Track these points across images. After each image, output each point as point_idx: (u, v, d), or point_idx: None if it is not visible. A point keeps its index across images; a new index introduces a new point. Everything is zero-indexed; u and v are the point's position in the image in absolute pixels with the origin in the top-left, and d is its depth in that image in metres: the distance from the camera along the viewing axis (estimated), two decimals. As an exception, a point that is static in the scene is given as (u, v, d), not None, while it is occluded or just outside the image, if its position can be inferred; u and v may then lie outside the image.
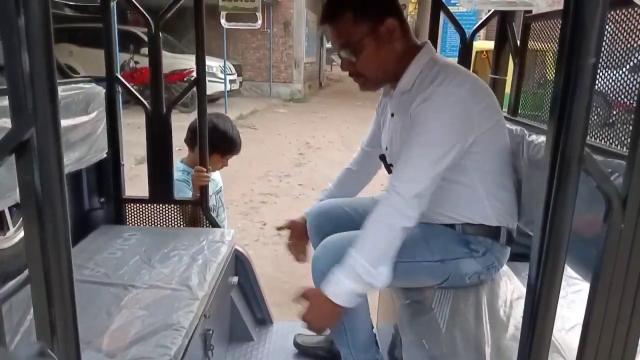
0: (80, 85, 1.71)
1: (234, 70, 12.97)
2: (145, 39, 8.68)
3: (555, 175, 0.85)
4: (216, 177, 2.37)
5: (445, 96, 1.30)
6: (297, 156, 7.89)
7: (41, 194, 0.88)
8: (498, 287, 1.55)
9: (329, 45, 26.97)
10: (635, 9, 1.00)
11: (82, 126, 1.66)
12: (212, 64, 10.74)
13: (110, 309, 1.39)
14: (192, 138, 2.10)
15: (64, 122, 1.49)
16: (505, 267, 1.65)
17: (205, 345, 1.56)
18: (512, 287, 1.56)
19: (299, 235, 1.81)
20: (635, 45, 1.09)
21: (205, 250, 1.79)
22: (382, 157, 1.59)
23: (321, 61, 20.69)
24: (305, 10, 15.90)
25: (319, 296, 1.29)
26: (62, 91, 1.52)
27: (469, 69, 1.96)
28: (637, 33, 1.09)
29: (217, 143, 2.15)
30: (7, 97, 1.11)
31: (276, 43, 15.28)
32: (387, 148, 1.57)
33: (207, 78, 2.04)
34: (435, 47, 1.95)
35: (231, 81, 12.58)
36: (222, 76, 11.36)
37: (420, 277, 1.49)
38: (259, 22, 1.82)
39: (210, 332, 1.58)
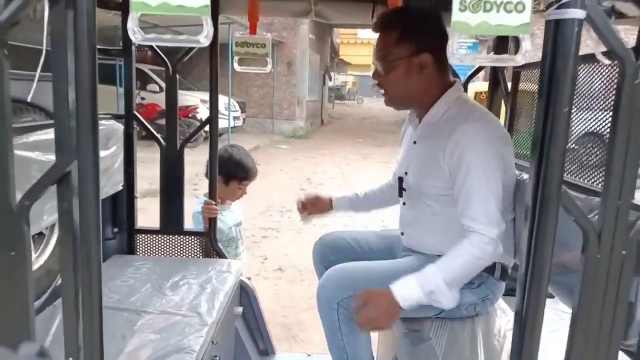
0: (102, 122, 1.84)
1: (238, 107, 13.27)
2: (152, 75, 8.89)
3: (536, 212, 0.96)
4: (236, 210, 2.46)
5: (485, 136, 1.41)
6: (298, 191, 7.99)
7: (78, 220, 0.98)
8: (493, 320, 1.63)
9: (331, 84, 27.54)
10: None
11: (102, 161, 1.77)
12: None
13: (124, 332, 1.47)
14: (226, 170, 2.23)
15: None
16: (500, 301, 1.73)
17: (212, 370, 1.63)
18: (506, 320, 1.64)
19: (315, 203, 1.98)
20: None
21: (213, 280, 1.88)
22: (400, 180, 1.68)
23: (323, 99, 21.10)
24: (308, 50, 16.35)
25: (385, 296, 1.35)
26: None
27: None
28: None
29: (234, 171, 2.26)
30: (42, 131, 1.24)
31: (280, 81, 15.66)
32: (406, 173, 1.65)
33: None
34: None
35: (235, 117, 12.84)
36: (227, 113, 11.61)
37: (420, 306, 1.57)
38: (269, 67, 1.95)
39: (217, 358, 1.64)
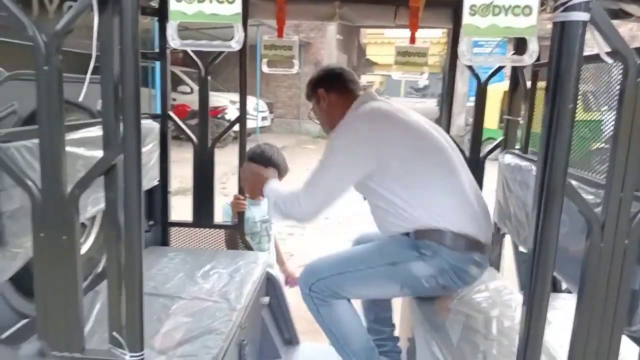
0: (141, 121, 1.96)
1: (266, 108, 13.47)
2: (183, 77, 9.09)
3: (542, 202, 1.02)
4: (264, 206, 2.56)
5: (346, 126, 1.78)
6: (324, 191, 8.09)
7: (123, 208, 1.10)
8: (507, 309, 1.69)
9: (358, 84, 27.52)
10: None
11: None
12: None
13: (160, 316, 1.59)
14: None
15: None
16: (517, 294, 1.78)
17: (240, 353, 1.73)
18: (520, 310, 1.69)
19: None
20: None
21: (241, 270, 1.98)
22: None
23: (350, 100, 21.11)
24: (335, 51, 16.43)
25: (261, 178, 1.88)
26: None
27: (484, 110, 2.15)
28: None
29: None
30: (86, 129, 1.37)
31: (306, 82, 15.79)
32: None
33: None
34: (452, 89, 2.15)
35: (263, 118, 13.05)
36: (255, 113, 11.81)
37: (377, 282, 1.71)
38: (296, 68, 2.05)
39: (245, 342, 1.75)
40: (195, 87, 9.74)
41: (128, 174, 1.09)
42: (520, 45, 1.96)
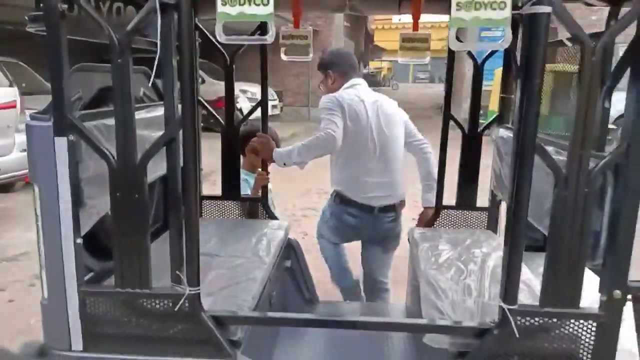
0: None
1: (275, 96, 13.71)
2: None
3: (517, 159, 1.29)
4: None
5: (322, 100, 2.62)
6: (335, 175, 8.35)
7: (181, 172, 1.37)
8: (499, 259, 1.95)
9: (365, 70, 27.65)
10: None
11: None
12: (255, 90, 11.47)
13: (204, 269, 1.87)
14: (243, 144, 2.68)
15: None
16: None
17: (270, 302, 2.02)
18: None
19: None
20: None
21: (267, 235, 2.27)
22: None
23: (358, 86, 21.25)
24: (343, 38, 16.58)
25: (269, 149, 2.53)
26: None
27: (481, 89, 2.40)
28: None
29: (247, 143, 2.72)
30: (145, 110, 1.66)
31: (315, 70, 15.89)
32: None
33: (250, 104, 2.58)
34: (451, 73, 2.40)
35: (272, 106, 13.29)
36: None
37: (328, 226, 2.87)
38: (311, 55, 2.30)
39: (274, 293, 2.04)
40: (207, 78, 10.05)
41: (186, 145, 1.37)
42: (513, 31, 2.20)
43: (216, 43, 2.39)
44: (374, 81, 35.27)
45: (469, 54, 2.35)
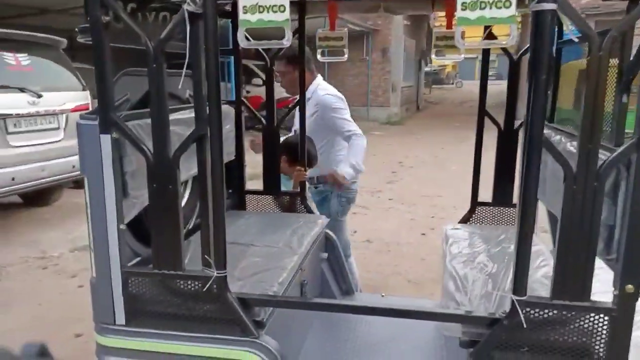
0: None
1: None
2: (255, 69, 9.67)
3: (526, 152, 1.32)
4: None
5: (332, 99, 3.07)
6: (389, 174, 8.36)
7: (210, 166, 1.51)
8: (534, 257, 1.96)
9: (427, 68, 27.17)
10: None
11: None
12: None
13: (239, 257, 2.02)
14: (282, 152, 2.79)
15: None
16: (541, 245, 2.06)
17: (301, 290, 2.13)
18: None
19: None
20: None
21: (303, 227, 2.38)
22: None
23: (419, 84, 21.01)
24: (403, 37, 16.45)
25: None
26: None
27: (517, 85, 2.39)
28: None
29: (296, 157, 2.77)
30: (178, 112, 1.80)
31: (374, 69, 15.96)
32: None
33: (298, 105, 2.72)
34: (487, 71, 2.40)
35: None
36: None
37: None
38: (346, 56, 2.38)
39: (305, 282, 2.15)
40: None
41: (213, 141, 1.50)
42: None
43: (258, 48, 2.54)
44: (437, 79, 34.62)
45: (505, 50, 2.34)
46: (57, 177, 5.29)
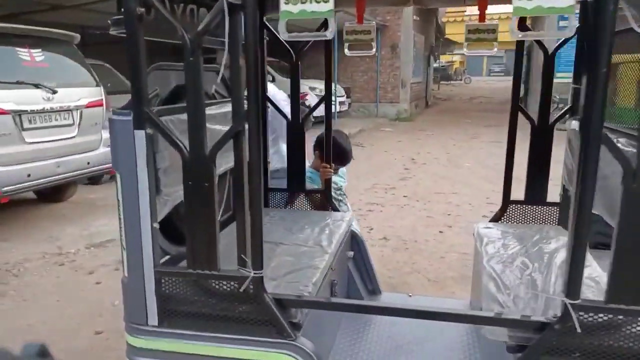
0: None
1: (343, 93, 13.81)
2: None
3: (583, 149, 1.25)
4: (335, 179, 2.92)
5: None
6: (402, 171, 8.29)
7: (247, 162, 1.46)
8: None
9: (436, 64, 27.02)
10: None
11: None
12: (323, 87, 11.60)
13: (269, 255, 1.97)
14: (318, 146, 2.75)
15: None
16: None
17: (331, 290, 2.08)
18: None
19: None
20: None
21: (330, 225, 2.33)
22: None
23: (428, 81, 20.87)
24: (412, 32, 16.33)
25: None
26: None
27: (552, 79, 2.32)
28: None
29: (333, 153, 2.72)
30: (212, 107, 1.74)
31: (384, 65, 15.86)
32: None
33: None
34: (520, 65, 2.33)
35: (341, 103, 13.40)
36: (333, 98, 12.20)
37: None
38: (374, 50, 2.32)
39: (335, 282, 2.09)
40: (277, 76, 10.30)
41: (251, 138, 1.45)
42: (586, 18, 2.10)
43: (284, 42, 2.48)
44: (445, 75, 34.44)
45: (539, 43, 2.28)
46: (72, 173, 5.26)
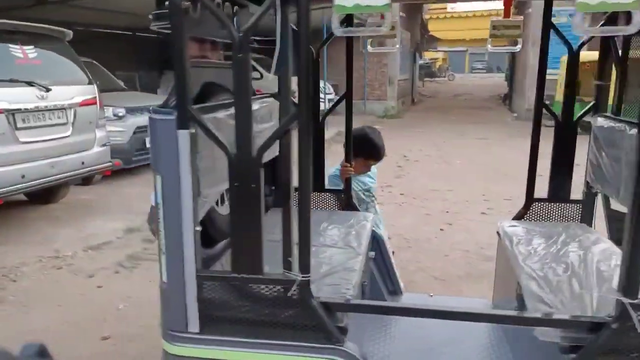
0: (268, 99, 2.28)
1: (332, 90, 13.77)
2: (253, 63, 9.62)
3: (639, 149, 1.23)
4: (363, 179, 2.88)
5: None
6: (396, 168, 8.29)
7: (298, 165, 1.40)
8: (599, 255, 1.90)
9: (421, 61, 27.16)
10: None
11: (269, 129, 2.23)
12: (322, 85, 11.56)
13: (300, 258, 1.92)
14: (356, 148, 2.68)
15: (263, 126, 2.02)
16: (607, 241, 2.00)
17: (362, 292, 2.04)
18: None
19: None
20: None
21: (354, 226, 2.29)
22: None
23: (414, 77, 20.95)
24: (399, 29, 16.36)
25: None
26: (260, 103, 2.08)
27: (576, 78, 2.31)
28: None
29: (364, 149, 2.66)
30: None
31: (371, 62, 15.85)
32: None
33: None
34: (545, 59, 2.32)
35: (330, 100, 13.35)
36: (322, 96, 12.15)
37: None
38: (397, 46, 2.29)
39: (366, 283, 2.06)
40: (265, 73, 10.19)
41: (301, 138, 1.40)
42: (611, 17, 2.10)
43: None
44: (429, 72, 34.65)
45: (564, 40, 2.27)
46: (67, 174, 5.12)
